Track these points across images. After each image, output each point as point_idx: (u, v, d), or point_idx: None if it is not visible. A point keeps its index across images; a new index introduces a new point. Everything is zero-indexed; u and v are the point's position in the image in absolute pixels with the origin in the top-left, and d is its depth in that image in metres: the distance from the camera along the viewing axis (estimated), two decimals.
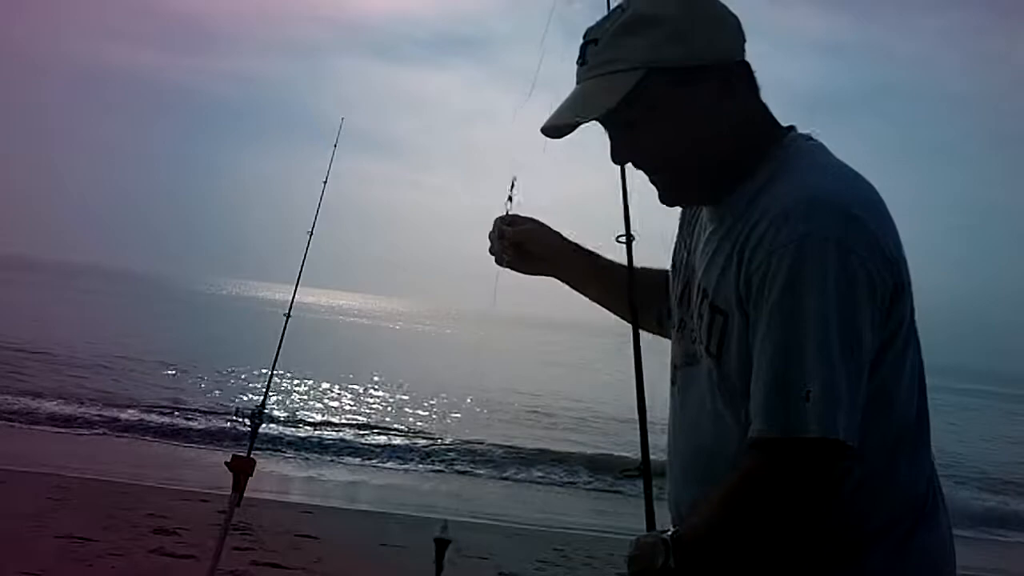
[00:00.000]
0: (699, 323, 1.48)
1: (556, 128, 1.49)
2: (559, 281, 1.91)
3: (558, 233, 1.87)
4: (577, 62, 1.48)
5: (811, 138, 1.50)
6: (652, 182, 1.53)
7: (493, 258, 1.87)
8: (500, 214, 1.88)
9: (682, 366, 1.56)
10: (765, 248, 1.33)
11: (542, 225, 1.87)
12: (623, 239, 1.78)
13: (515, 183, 1.88)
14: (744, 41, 1.49)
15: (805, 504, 1.30)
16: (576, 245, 1.88)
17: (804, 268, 1.29)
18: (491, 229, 1.87)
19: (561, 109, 1.47)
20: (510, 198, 1.88)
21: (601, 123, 1.48)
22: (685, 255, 1.62)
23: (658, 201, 1.56)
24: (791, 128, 1.51)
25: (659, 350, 1.76)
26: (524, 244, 1.84)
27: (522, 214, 1.88)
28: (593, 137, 1.52)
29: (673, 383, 1.59)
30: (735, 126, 1.45)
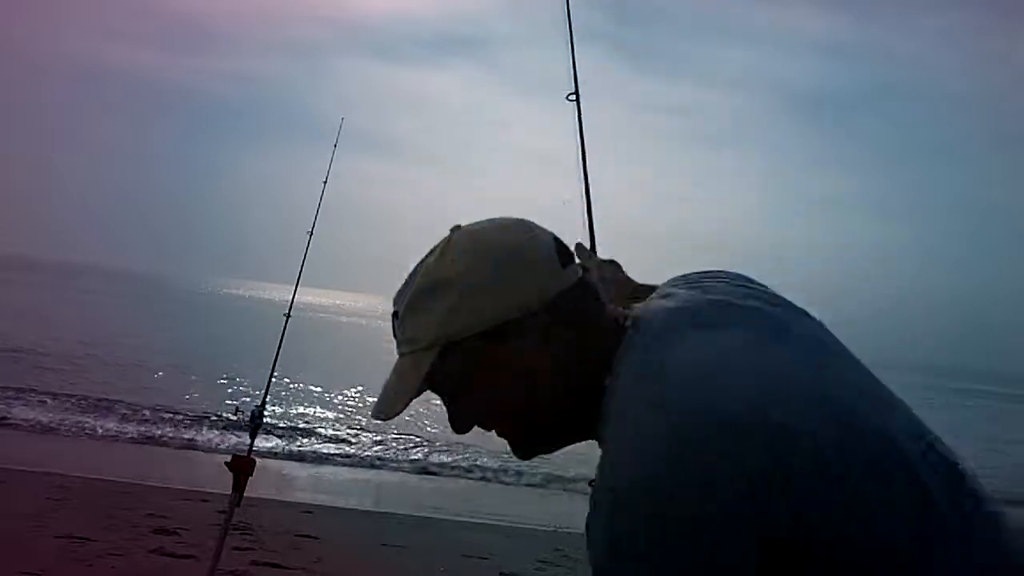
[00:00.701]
0: None
1: (387, 414, 1.35)
2: None
3: None
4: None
5: (651, 315, 1.29)
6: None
7: None
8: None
9: None
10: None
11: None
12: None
13: None
14: (569, 263, 1.31)
15: None
16: None
17: None
18: None
19: (381, 395, 1.36)
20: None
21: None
22: None
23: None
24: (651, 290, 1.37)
25: None
26: None
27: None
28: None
29: None
30: (564, 370, 1.29)
